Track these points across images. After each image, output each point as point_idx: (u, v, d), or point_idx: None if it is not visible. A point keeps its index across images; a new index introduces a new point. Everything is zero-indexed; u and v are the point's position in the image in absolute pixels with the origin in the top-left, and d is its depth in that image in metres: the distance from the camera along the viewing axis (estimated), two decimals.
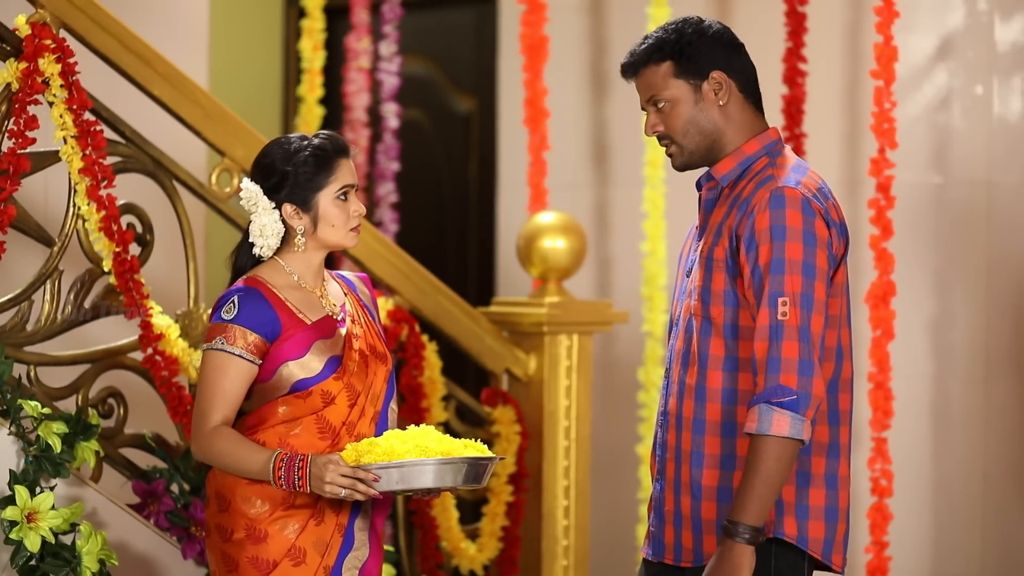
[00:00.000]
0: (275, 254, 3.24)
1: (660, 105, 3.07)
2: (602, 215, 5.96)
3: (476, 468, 3.06)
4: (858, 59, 5.26)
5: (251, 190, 3.21)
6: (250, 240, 3.22)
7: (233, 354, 3.12)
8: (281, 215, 3.20)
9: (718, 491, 3.00)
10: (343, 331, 3.22)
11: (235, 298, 3.14)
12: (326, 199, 3.20)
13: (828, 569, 3.06)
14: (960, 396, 5.07)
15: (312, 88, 6.16)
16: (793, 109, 5.00)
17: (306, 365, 3.16)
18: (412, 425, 3.14)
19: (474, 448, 3.09)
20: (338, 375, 3.17)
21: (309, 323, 3.18)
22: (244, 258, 3.25)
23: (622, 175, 5.91)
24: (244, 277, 3.21)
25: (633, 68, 3.10)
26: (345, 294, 3.30)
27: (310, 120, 6.15)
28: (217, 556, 3.18)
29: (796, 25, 5.05)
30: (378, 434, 3.21)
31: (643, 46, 3.08)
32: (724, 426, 3.00)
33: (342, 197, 3.21)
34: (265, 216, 3.20)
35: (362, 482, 3.00)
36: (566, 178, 5.97)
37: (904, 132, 4.82)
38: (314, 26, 6.19)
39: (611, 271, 5.93)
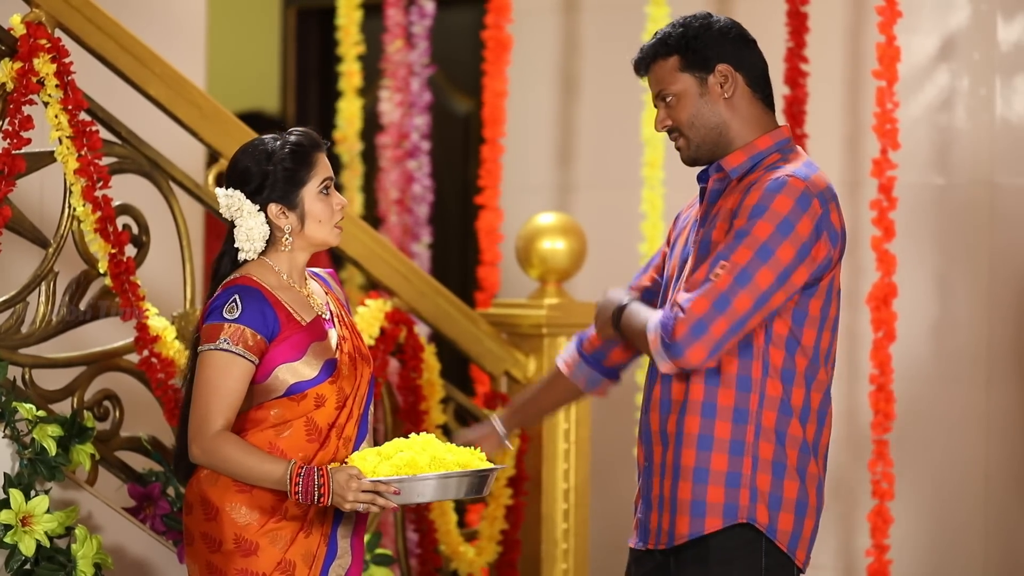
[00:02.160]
0: (260, 256, 3.21)
1: (668, 99, 3.11)
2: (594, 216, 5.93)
3: (481, 478, 3.09)
4: (860, 59, 5.24)
5: (233, 196, 3.17)
6: (236, 246, 3.19)
7: (237, 354, 3.09)
8: (267, 217, 3.18)
9: (694, 472, 3.01)
10: (333, 332, 3.20)
11: (236, 297, 3.11)
12: (310, 194, 3.18)
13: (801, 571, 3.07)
14: (962, 398, 5.05)
15: (351, 88, 6.11)
16: (795, 110, 4.98)
17: (303, 368, 3.13)
18: (414, 433, 3.15)
19: (481, 459, 3.12)
20: (333, 379, 3.15)
21: (304, 324, 3.16)
22: (228, 265, 3.21)
23: (606, 177, 5.89)
24: (237, 276, 3.17)
25: (643, 64, 3.14)
26: (326, 293, 3.28)
27: (352, 121, 6.11)
28: (202, 565, 3.13)
29: (798, 25, 5.02)
30: (361, 435, 3.21)
31: (651, 42, 3.13)
32: (719, 409, 3.02)
33: (324, 191, 3.19)
34: (251, 220, 3.17)
35: (380, 495, 3.00)
36: (554, 179, 5.96)
37: (906, 133, 4.80)
38: (350, 27, 6.12)
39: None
